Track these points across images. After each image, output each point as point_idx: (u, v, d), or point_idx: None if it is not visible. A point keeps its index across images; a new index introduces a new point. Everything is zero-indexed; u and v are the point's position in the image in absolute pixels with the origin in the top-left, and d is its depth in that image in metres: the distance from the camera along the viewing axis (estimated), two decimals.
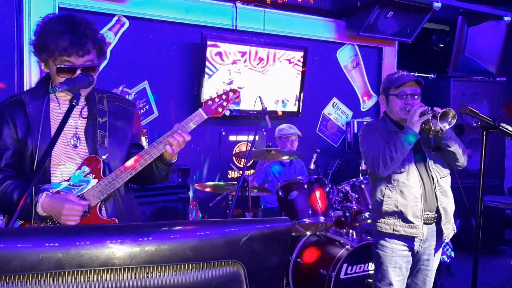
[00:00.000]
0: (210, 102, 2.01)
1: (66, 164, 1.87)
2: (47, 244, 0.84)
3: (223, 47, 4.59)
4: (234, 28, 4.77)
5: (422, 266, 2.73)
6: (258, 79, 4.87)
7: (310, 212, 3.60)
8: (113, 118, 1.97)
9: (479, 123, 2.20)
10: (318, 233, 3.85)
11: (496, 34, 5.70)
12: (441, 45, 6.15)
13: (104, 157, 1.88)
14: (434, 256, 2.73)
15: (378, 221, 2.69)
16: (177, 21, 4.51)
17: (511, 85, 6.34)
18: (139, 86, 4.43)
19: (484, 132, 2.20)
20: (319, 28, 5.35)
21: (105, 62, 3.88)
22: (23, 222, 1.82)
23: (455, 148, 2.59)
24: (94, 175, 1.86)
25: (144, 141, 4.02)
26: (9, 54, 3.80)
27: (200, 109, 1.97)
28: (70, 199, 1.77)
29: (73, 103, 1.67)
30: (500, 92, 5.91)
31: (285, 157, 4.11)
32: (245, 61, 4.75)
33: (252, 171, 4.59)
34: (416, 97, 2.67)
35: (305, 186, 3.67)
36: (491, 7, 5.62)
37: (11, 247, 0.83)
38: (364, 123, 2.95)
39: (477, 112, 2.18)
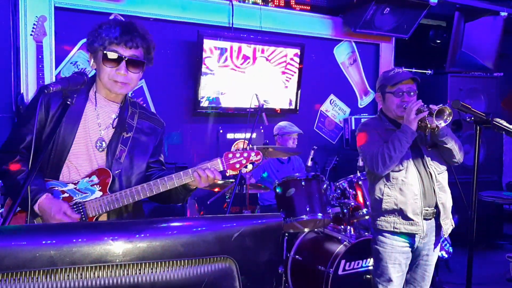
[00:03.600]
0: (230, 155, 1.97)
1: (78, 166, 1.87)
2: (39, 242, 0.85)
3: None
4: (231, 26, 4.77)
5: (421, 261, 2.73)
6: (249, 77, 4.85)
7: (308, 209, 3.60)
8: (138, 136, 1.98)
9: (472, 118, 2.20)
10: (316, 229, 3.85)
11: (492, 29, 5.70)
12: (438, 41, 6.15)
13: (115, 172, 1.89)
14: (433, 251, 2.74)
15: (378, 219, 2.69)
16: (173, 19, 4.52)
17: (508, 80, 6.34)
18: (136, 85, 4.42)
19: (478, 127, 2.21)
20: (316, 25, 5.35)
21: None
22: (20, 209, 1.82)
23: (452, 144, 2.61)
24: (100, 187, 1.87)
25: None
26: (5, 54, 3.80)
27: (218, 159, 1.95)
28: (64, 211, 1.77)
29: (68, 102, 1.67)
30: (497, 87, 5.91)
31: (282, 154, 4.12)
32: (237, 58, 4.73)
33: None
34: (412, 94, 2.68)
35: (303, 183, 3.68)
36: (487, 3, 5.62)
37: (3, 245, 0.83)
38: (362, 121, 2.95)
39: (470, 107, 2.19)
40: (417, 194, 2.61)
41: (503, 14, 5.62)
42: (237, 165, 1.97)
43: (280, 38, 5.07)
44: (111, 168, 1.89)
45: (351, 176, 3.89)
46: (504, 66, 6.07)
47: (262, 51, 4.89)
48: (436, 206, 2.66)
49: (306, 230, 3.84)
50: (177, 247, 0.91)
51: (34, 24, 3.75)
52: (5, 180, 1.89)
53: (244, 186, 3.61)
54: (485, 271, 4.51)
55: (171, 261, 0.90)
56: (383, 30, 5.36)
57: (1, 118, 3.72)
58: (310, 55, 5.35)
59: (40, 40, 3.74)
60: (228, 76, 4.75)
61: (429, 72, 5.98)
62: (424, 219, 2.62)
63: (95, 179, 1.87)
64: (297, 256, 3.72)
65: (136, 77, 1.91)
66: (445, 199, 2.69)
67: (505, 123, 2.14)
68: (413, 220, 2.60)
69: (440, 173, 2.69)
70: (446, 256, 4.33)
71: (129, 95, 2.07)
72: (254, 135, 4.78)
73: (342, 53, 5.70)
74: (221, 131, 4.93)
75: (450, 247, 4.40)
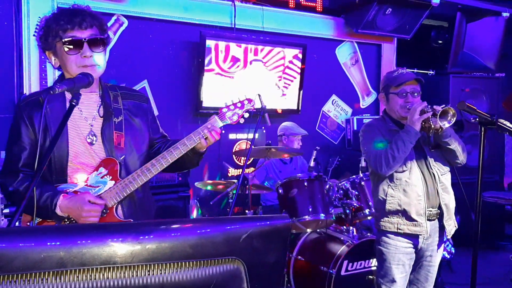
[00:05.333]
0: (225, 110, 2.03)
1: (82, 165, 1.88)
2: (49, 243, 0.85)
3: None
4: (233, 26, 4.77)
5: (425, 262, 2.74)
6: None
7: (310, 209, 3.60)
8: (129, 116, 1.99)
9: (477, 119, 2.20)
10: (318, 230, 3.85)
11: (494, 30, 5.70)
12: (440, 42, 6.16)
13: (121, 158, 1.90)
14: (437, 252, 2.74)
15: (382, 220, 2.70)
16: (175, 19, 4.52)
17: (510, 81, 6.34)
18: (139, 85, 4.43)
19: (482, 128, 2.21)
20: (318, 26, 5.35)
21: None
22: (41, 220, 1.85)
23: (455, 146, 2.61)
24: (111, 177, 1.88)
25: None
26: (8, 54, 3.80)
27: (215, 116, 2.01)
28: (88, 199, 1.79)
29: (73, 103, 1.67)
30: (499, 88, 5.91)
31: (285, 155, 4.12)
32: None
33: (252, 169, 4.60)
34: (416, 94, 2.69)
35: (305, 183, 3.68)
36: (489, 3, 5.62)
37: (13, 246, 0.83)
38: (364, 122, 2.96)
39: (475, 108, 2.19)
40: (420, 195, 2.61)
41: (505, 14, 5.62)
42: (235, 117, 2.04)
43: (282, 38, 5.06)
44: (114, 155, 1.89)
45: (354, 176, 3.90)
46: (505, 66, 6.07)
47: (256, 53, 4.79)
48: (440, 207, 2.66)
49: (308, 230, 3.84)
50: (186, 249, 0.91)
51: (37, 25, 3.75)
52: (16, 200, 1.91)
53: (247, 186, 3.61)
54: (488, 272, 4.51)
55: (179, 263, 0.90)
56: (385, 30, 5.36)
57: (5, 118, 3.72)
58: (312, 56, 5.35)
59: None
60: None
61: (431, 72, 5.99)
62: (428, 220, 2.63)
63: (103, 170, 1.88)
64: (299, 257, 3.73)
65: (101, 57, 1.90)
66: (448, 200, 2.69)
67: (509, 124, 2.14)
68: (416, 221, 2.60)
69: (443, 174, 2.70)
70: (448, 256, 4.33)
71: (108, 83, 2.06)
72: (256, 136, 4.79)
73: (344, 53, 5.70)
74: (223, 131, 4.90)
75: (452, 248, 4.40)
